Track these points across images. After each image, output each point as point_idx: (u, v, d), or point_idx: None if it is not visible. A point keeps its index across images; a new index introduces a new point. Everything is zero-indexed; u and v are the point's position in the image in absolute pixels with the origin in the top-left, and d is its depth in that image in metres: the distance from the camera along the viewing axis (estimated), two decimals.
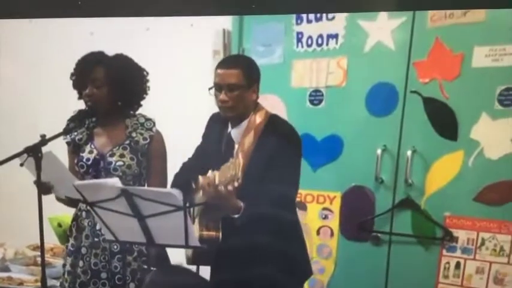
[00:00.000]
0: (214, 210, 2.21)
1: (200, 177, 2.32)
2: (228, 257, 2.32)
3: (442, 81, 2.65)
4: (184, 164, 2.60)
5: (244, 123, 2.38)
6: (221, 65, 2.40)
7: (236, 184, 2.02)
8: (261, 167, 2.19)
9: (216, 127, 2.50)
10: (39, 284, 2.61)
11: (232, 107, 2.34)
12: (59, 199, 2.58)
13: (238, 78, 2.32)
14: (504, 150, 2.54)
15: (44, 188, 2.33)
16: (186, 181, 2.43)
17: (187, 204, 2.15)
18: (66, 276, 2.59)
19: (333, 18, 2.91)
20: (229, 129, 2.43)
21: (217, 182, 2.08)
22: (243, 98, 2.34)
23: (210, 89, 2.40)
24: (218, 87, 2.35)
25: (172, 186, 2.51)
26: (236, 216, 2.15)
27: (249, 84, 2.35)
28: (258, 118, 2.38)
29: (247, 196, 2.13)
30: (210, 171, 2.15)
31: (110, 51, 2.59)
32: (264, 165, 2.21)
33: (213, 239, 2.26)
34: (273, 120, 2.40)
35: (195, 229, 2.29)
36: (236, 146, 2.39)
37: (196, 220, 2.33)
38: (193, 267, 2.47)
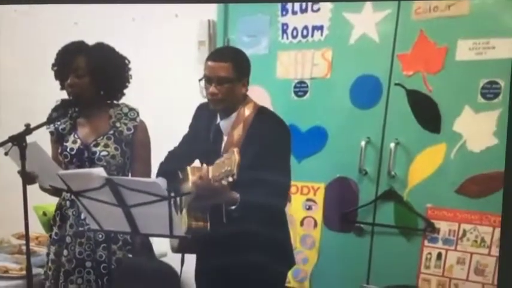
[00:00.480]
0: (203, 202, 2.22)
1: (189, 169, 2.34)
2: (214, 245, 2.34)
3: (425, 74, 2.66)
4: (170, 152, 2.60)
5: (234, 116, 2.39)
6: (212, 57, 2.40)
7: (231, 179, 2.02)
8: (252, 159, 2.18)
9: (204, 117, 2.50)
10: (24, 272, 2.58)
11: (221, 100, 2.34)
12: (43, 188, 2.57)
13: (229, 71, 2.32)
14: (486, 143, 2.55)
15: (28, 178, 2.33)
16: (172, 170, 2.45)
17: (172, 194, 2.17)
18: (50, 264, 2.59)
19: (318, 9, 2.91)
20: (218, 120, 2.43)
21: (210, 176, 2.10)
22: (233, 91, 2.35)
23: (200, 80, 2.39)
24: (208, 79, 2.35)
25: (158, 174, 2.51)
26: (233, 207, 2.16)
27: (239, 78, 2.35)
28: (247, 110, 2.39)
29: (239, 187, 2.14)
30: (204, 166, 2.17)
31: (94, 42, 2.57)
32: (255, 157, 2.20)
33: (202, 229, 2.26)
34: (261, 113, 2.41)
35: (183, 220, 2.30)
36: (225, 138, 2.40)
37: (184, 210, 2.33)
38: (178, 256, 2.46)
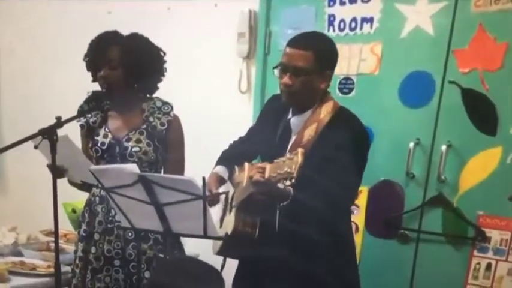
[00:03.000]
0: (254, 205, 2.06)
1: (246, 164, 2.19)
2: (262, 254, 2.16)
3: (483, 71, 2.51)
4: (234, 142, 2.50)
5: (308, 113, 2.21)
6: (291, 42, 2.20)
7: (288, 183, 1.82)
8: (318, 165, 1.99)
9: (275, 110, 2.33)
10: (52, 269, 2.55)
11: (295, 93, 2.16)
12: (71, 183, 2.56)
13: (308, 61, 2.12)
14: None
15: (58, 172, 2.27)
16: (233, 163, 2.35)
17: (208, 194, 2.08)
18: (77, 262, 2.58)
19: (369, 0, 2.79)
20: (290, 115, 2.26)
21: (267, 175, 1.91)
22: (310, 85, 2.15)
23: (274, 68, 2.21)
24: (284, 67, 2.16)
25: (218, 162, 2.43)
26: (284, 203, 1.98)
27: (319, 70, 2.15)
28: (324, 109, 2.19)
29: (298, 189, 1.94)
30: (264, 163, 1.99)
31: (127, 32, 2.52)
32: (322, 164, 2.01)
33: (248, 236, 2.11)
34: (340, 115, 2.21)
35: (231, 220, 2.19)
36: (293, 137, 2.22)
37: (234, 211, 2.20)
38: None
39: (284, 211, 2.00)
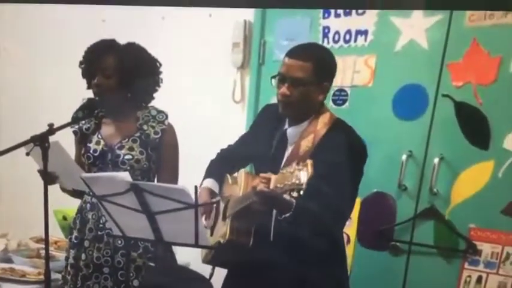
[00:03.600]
0: (252, 214, 2.05)
1: (243, 174, 2.18)
2: (253, 264, 2.15)
3: (476, 85, 2.52)
4: (223, 151, 2.48)
5: (304, 124, 2.19)
6: (290, 53, 2.17)
7: (296, 194, 1.79)
8: (318, 177, 1.94)
9: (271, 119, 2.30)
10: (42, 276, 2.53)
11: (292, 104, 2.14)
12: (64, 189, 2.53)
13: (307, 72, 2.10)
14: None
15: (49, 179, 2.26)
16: (224, 172, 2.34)
17: (200, 202, 2.06)
18: (69, 269, 2.55)
19: (364, 13, 2.79)
20: (286, 126, 2.24)
21: (272, 186, 1.88)
22: (308, 96, 2.14)
23: (272, 77, 2.19)
24: (282, 78, 2.14)
25: (207, 174, 2.40)
26: (286, 215, 1.96)
27: (317, 82, 2.13)
28: (321, 121, 2.18)
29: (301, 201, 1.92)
30: (269, 174, 1.94)
31: (122, 40, 2.50)
32: (322, 175, 1.95)
33: (242, 245, 2.10)
34: (337, 126, 2.20)
35: (223, 230, 2.18)
36: (290, 148, 2.21)
37: (228, 220, 2.18)
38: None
39: (284, 222, 1.98)
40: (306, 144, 2.14)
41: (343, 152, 2.09)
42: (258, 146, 2.31)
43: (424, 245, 2.68)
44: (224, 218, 2.23)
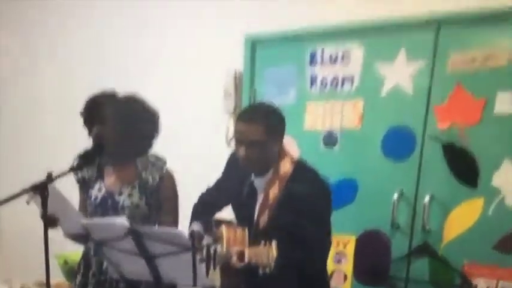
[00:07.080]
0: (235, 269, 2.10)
1: (224, 228, 2.23)
2: None
3: (462, 126, 2.57)
4: (203, 195, 2.55)
5: (269, 174, 2.27)
6: (242, 118, 2.25)
7: (267, 271, 1.91)
8: (287, 219, 2.07)
9: (238, 168, 2.35)
10: None
11: (252, 162, 2.22)
12: (66, 235, 2.52)
13: (261, 135, 2.17)
14: None
15: (50, 222, 2.27)
16: (207, 215, 2.42)
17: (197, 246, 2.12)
18: None
19: (349, 62, 2.85)
20: (252, 177, 2.32)
21: (246, 260, 1.96)
22: (265, 153, 2.21)
23: (230, 140, 2.29)
24: (237, 141, 2.23)
25: (193, 217, 2.46)
26: (266, 270, 1.99)
27: (272, 140, 2.21)
28: (283, 167, 2.26)
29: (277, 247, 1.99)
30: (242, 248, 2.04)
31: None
32: (291, 216, 2.08)
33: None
34: (298, 168, 2.27)
35: (217, 278, 2.23)
36: (260, 197, 2.28)
37: (218, 269, 2.24)
38: None
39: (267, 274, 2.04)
40: (273, 191, 2.23)
41: (308, 191, 2.16)
42: (232, 193, 2.40)
43: (420, 281, 2.69)
44: (214, 267, 2.28)
